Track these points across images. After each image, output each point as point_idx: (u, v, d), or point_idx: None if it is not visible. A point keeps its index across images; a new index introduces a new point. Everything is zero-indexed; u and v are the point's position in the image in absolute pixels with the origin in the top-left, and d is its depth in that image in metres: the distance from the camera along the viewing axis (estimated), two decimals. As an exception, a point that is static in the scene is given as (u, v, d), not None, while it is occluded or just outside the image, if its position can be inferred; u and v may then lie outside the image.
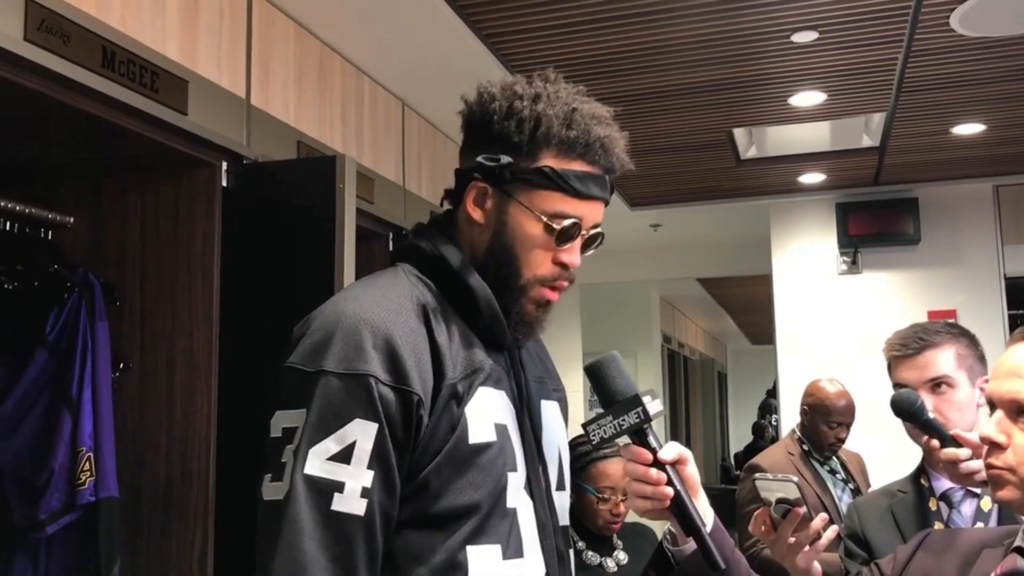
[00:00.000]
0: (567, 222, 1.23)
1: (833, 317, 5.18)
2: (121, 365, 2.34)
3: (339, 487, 1.10)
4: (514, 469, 1.21)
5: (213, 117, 2.33)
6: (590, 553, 2.29)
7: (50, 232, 2.38)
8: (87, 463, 2.07)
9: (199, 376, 2.31)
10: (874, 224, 5.12)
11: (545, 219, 1.22)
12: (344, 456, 1.10)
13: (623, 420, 1.15)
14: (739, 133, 4.25)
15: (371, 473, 1.11)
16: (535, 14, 2.82)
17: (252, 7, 2.56)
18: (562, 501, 1.32)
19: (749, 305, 9.96)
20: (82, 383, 2.12)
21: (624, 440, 1.19)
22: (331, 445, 1.10)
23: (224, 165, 2.38)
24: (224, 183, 2.38)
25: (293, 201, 2.38)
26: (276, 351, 1.21)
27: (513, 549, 1.19)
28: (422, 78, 3.28)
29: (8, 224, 2.26)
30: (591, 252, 1.30)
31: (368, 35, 2.95)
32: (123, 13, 2.07)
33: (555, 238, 1.23)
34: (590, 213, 1.25)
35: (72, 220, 2.41)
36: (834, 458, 3.28)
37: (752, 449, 9.54)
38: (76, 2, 1.93)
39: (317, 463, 1.10)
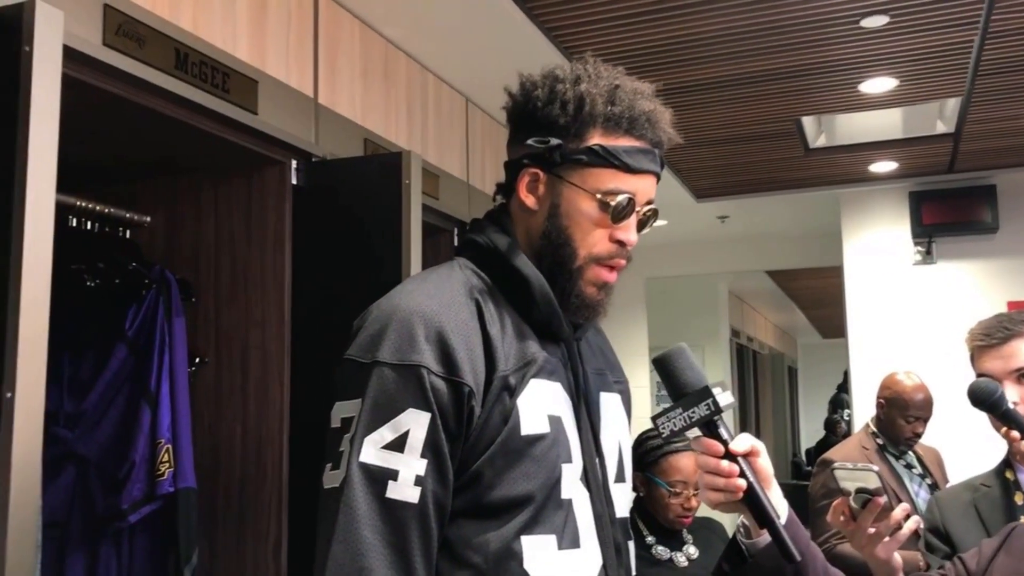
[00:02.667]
0: (621, 197, 1.22)
1: (907, 309, 5.04)
2: (197, 360, 2.40)
3: (393, 475, 1.11)
4: (569, 460, 1.21)
5: (282, 116, 2.37)
6: (660, 548, 2.26)
7: (128, 231, 2.45)
8: (166, 454, 2.14)
9: (272, 370, 2.36)
10: (949, 213, 4.96)
11: (599, 196, 1.22)
12: (398, 445, 1.12)
13: (693, 412, 1.14)
14: (808, 121, 4.16)
15: (424, 462, 1.12)
16: (597, 5, 2.80)
17: (318, 7, 2.60)
18: (621, 493, 1.32)
19: (820, 298, 9.75)
20: (160, 377, 2.18)
21: (695, 432, 1.18)
22: (386, 434, 1.12)
23: (294, 163, 2.43)
24: (294, 181, 2.43)
25: (360, 197, 2.41)
26: (345, 345, 1.22)
27: (569, 540, 1.19)
28: (485, 74, 3.29)
29: (89, 223, 2.34)
30: (647, 231, 1.30)
31: (431, 32, 2.98)
32: (195, 16, 2.12)
33: (610, 215, 1.23)
34: (643, 188, 1.25)
35: (149, 219, 2.48)
36: (910, 452, 3.20)
37: (824, 445, 9.35)
38: (150, 6, 1.98)
39: (372, 451, 1.12)
